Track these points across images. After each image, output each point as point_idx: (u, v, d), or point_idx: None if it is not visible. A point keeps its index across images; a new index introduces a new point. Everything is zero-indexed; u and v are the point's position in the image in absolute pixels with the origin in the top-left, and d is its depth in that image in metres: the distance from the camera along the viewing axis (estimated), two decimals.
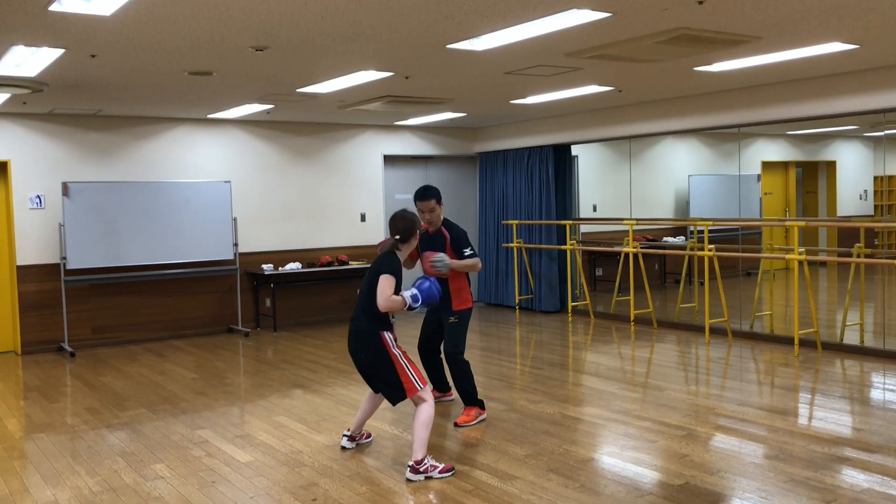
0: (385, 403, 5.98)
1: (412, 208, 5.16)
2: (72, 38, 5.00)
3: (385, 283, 4.42)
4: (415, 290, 4.57)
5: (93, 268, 8.70)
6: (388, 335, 4.54)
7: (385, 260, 4.57)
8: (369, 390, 4.99)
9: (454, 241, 5.41)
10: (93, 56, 5.59)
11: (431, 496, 4.17)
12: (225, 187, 9.38)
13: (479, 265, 5.44)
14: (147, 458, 4.90)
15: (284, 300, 10.04)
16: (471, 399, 5.54)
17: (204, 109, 8.69)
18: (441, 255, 5.18)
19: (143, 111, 8.71)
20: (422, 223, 5.22)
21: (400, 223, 4.67)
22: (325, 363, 7.69)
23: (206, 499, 4.20)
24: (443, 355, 5.64)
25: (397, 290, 4.50)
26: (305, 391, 6.56)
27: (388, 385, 4.55)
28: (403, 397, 4.54)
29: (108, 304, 9.05)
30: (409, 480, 4.39)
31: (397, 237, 4.64)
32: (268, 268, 9.68)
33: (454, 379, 5.51)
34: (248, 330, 9.63)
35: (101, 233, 8.66)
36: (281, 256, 10.06)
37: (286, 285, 10.00)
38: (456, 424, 5.44)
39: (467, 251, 5.37)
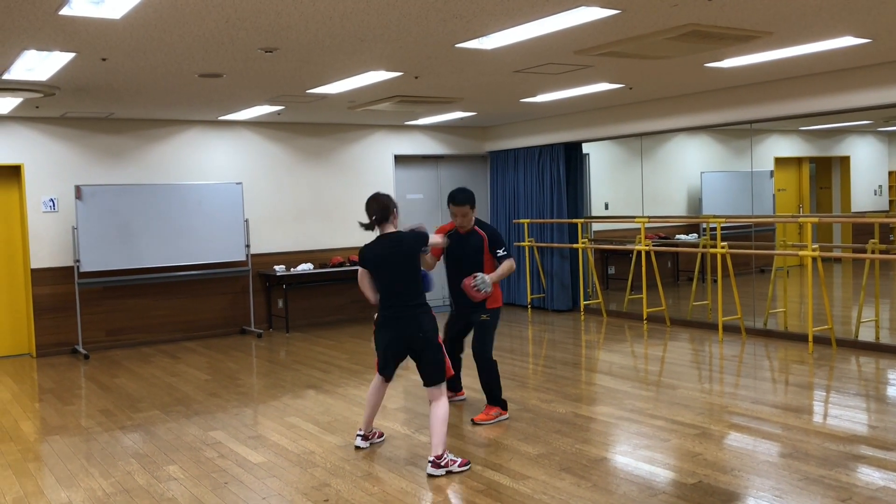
0: (388, 400, 5.97)
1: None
2: (82, 41, 5.03)
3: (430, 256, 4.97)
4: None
5: (106, 270, 8.74)
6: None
7: (412, 238, 4.66)
8: (371, 386, 4.98)
9: (490, 241, 5.39)
10: (104, 59, 5.61)
11: (444, 496, 4.17)
12: (236, 189, 9.41)
13: (513, 266, 5.43)
14: (160, 460, 4.92)
15: (297, 301, 10.06)
16: (495, 399, 5.52)
17: (215, 111, 8.72)
18: (481, 277, 5.20)
19: (155, 114, 8.75)
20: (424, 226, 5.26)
21: (374, 205, 4.65)
22: (338, 364, 7.70)
23: (219, 500, 4.21)
24: (472, 355, 5.55)
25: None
26: (318, 392, 6.57)
27: (434, 365, 4.63)
28: (443, 378, 4.62)
29: (122, 307, 9.10)
30: (430, 475, 4.43)
31: (373, 218, 4.65)
32: (280, 269, 9.71)
33: (481, 378, 5.49)
34: (261, 331, 9.66)
35: (114, 235, 8.70)
36: (293, 257, 10.08)
37: (298, 286, 10.02)
38: (473, 422, 5.43)
39: (500, 252, 5.37)
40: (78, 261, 8.57)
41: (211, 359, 8.21)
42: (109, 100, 7.51)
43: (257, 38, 5.11)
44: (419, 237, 4.69)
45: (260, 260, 9.87)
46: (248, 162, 9.84)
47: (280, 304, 9.98)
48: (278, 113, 8.97)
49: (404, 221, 5.18)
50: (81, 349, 8.64)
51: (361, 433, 5.04)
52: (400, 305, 4.65)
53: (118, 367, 7.96)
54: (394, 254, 4.62)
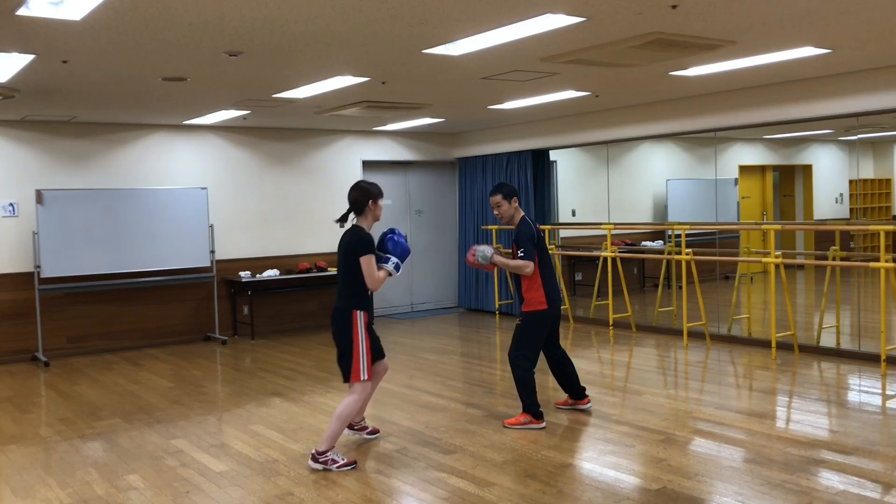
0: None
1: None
2: (41, 43, 4.94)
3: (369, 264, 4.61)
4: (395, 260, 4.76)
5: (67, 276, 8.60)
6: (359, 314, 4.70)
7: (355, 240, 4.65)
8: None
9: (515, 238, 5.44)
10: (64, 62, 5.52)
11: (408, 503, 4.15)
12: (201, 194, 9.31)
13: (527, 269, 5.30)
14: (120, 469, 4.83)
15: (262, 307, 9.97)
16: (523, 406, 5.45)
17: (179, 115, 8.62)
18: (484, 248, 5.39)
19: (118, 118, 8.63)
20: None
21: (351, 194, 4.77)
22: (304, 371, 7.64)
23: None
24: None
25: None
26: (283, 399, 6.51)
27: (344, 364, 4.75)
28: (348, 378, 4.74)
29: (84, 313, 8.94)
30: (310, 468, 4.68)
31: (346, 210, 4.78)
32: (245, 275, 9.60)
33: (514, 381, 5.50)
34: (226, 338, 9.55)
35: (76, 241, 8.56)
36: (258, 263, 9.98)
37: (264, 292, 9.93)
38: (504, 424, 5.46)
39: (520, 252, 5.34)
40: (38, 266, 8.41)
41: (174, 366, 8.10)
42: (71, 103, 7.39)
43: (221, 42, 5.06)
44: (365, 241, 4.63)
45: (225, 266, 9.76)
46: (214, 167, 9.74)
47: (245, 310, 9.88)
48: (244, 117, 8.89)
49: (377, 227, 5.22)
50: (42, 356, 8.47)
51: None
52: (337, 298, 4.80)
53: (79, 374, 7.81)
54: (343, 247, 4.72)
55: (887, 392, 6.14)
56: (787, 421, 5.49)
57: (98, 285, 8.80)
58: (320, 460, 4.66)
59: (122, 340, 9.18)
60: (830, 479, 4.26)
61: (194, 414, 6.13)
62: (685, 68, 6.59)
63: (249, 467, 4.79)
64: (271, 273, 9.74)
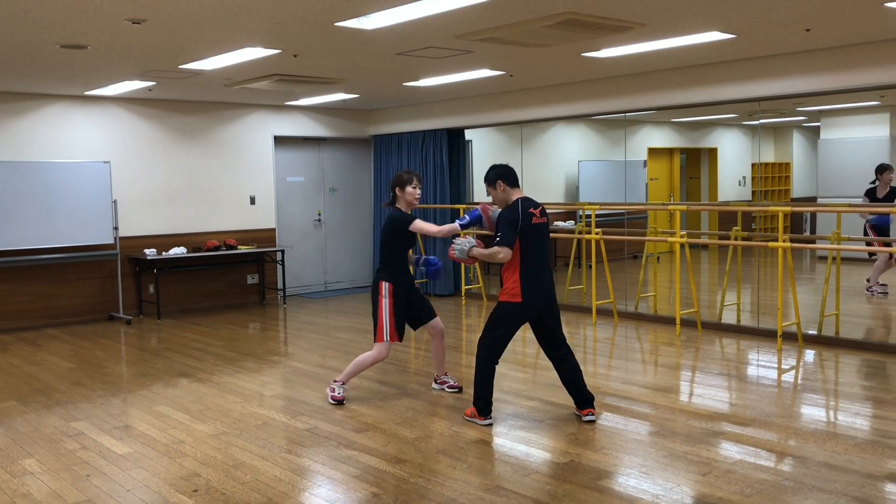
0: (266, 388, 5.88)
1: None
2: None
3: (420, 227, 5.38)
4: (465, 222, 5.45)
5: None
6: (385, 284, 5.38)
7: (391, 222, 5.44)
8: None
9: (497, 221, 4.98)
10: None
11: (318, 482, 4.10)
12: (104, 168, 8.94)
13: (498, 255, 4.82)
14: (15, 453, 4.62)
15: (169, 286, 9.68)
16: (473, 399, 5.04)
17: (80, 86, 8.24)
18: (463, 241, 5.12)
19: (14, 86, 8.19)
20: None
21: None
22: (212, 351, 7.47)
23: (80, 493, 3.99)
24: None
25: (409, 237, 5.46)
26: (190, 380, 6.34)
27: (373, 323, 5.42)
28: (375, 338, 5.37)
29: None
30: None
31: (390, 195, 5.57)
32: (151, 252, 9.30)
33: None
34: (130, 317, 9.24)
35: None
36: (165, 241, 9.67)
37: (170, 271, 9.65)
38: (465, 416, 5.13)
39: (497, 236, 4.87)
40: None
41: (76, 346, 7.79)
42: None
43: (123, 8, 4.84)
44: (399, 219, 5.36)
45: (129, 243, 9.43)
46: (118, 140, 9.37)
47: (151, 289, 9.58)
48: (150, 89, 8.56)
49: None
50: None
51: (435, 376, 5.90)
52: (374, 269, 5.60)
53: None
54: (383, 226, 5.49)
55: (783, 366, 6.42)
56: (690, 395, 5.68)
57: None
58: (332, 384, 5.55)
59: (18, 320, 8.78)
60: (729, 450, 4.42)
61: (96, 395, 5.91)
62: (597, 50, 6.67)
63: (154, 449, 4.65)
64: (178, 251, 9.47)
